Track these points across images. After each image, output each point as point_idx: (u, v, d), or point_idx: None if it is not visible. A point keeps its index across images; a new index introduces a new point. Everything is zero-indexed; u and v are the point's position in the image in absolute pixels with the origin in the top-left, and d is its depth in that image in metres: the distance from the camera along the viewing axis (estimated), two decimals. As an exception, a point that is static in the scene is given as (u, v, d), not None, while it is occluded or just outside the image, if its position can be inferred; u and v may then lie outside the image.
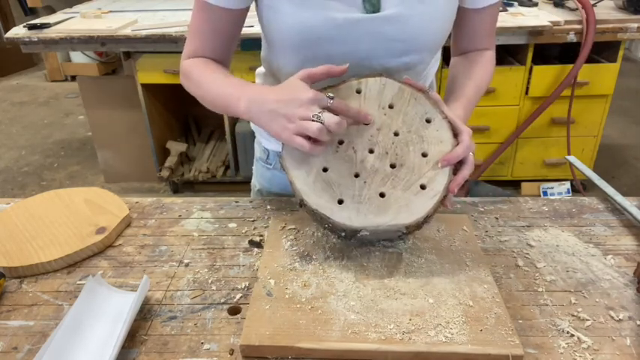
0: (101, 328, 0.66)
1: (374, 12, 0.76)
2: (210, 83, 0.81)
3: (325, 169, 0.74)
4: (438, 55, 0.94)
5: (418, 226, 0.73)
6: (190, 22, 0.84)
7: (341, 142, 0.75)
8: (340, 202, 0.73)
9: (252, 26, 2.20)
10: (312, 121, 0.67)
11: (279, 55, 0.86)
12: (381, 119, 0.75)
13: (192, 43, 0.85)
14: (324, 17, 0.75)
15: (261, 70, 1.01)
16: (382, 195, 0.73)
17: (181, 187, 2.88)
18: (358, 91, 0.75)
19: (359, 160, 0.74)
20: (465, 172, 0.73)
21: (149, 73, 2.41)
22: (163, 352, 0.64)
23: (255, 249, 0.83)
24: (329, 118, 0.67)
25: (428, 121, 0.75)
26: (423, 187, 0.73)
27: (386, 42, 0.78)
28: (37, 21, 2.41)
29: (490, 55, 0.91)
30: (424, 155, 0.74)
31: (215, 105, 0.81)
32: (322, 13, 0.74)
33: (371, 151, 0.75)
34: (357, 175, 0.74)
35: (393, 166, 0.74)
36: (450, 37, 0.90)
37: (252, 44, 2.19)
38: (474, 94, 0.86)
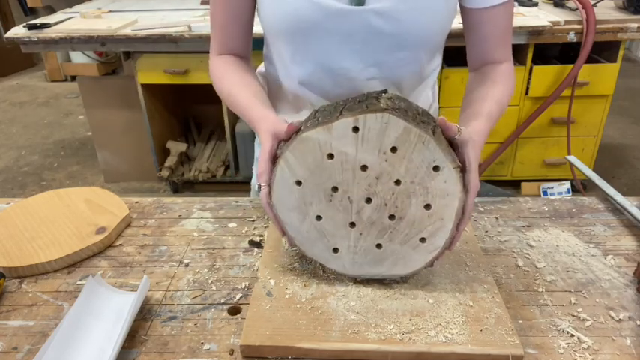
0: (101, 328, 0.66)
1: (358, 4, 0.75)
2: (235, 97, 0.83)
3: (319, 218, 0.69)
4: (439, 62, 0.92)
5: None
6: (210, 17, 0.87)
7: (335, 189, 0.67)
8: (335, 250, 0.71)
9: (252, 26, 2.20)
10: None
11: (274, 46, 0.86)
12: (380, 167, 0.64)
13: (215, 36, 0.88)
14: (313, 4, 0.74)
15: (261, 69, 1.01)
16: (379, 246, 0.70)
17: (181, 187, 2.88)
18: (355, 130, 0.62)
19: (354, 211, 0.68)
20: (462, 226, 0.67)
21: (149, 73, 2.41)
22: (163, 352, 0.64)
23: (255, 249, 0.83)
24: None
25: (435, 169, 0.63)
26: (422, 240, 0.68)
27: (378, 36, 0.76)
28: (37, 21, 2.41)
29: (507, 69, 0.84)
30: (427, 207, 0.66)
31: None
32: (311, 0, 0.74)
33: (368, 201, 0.67)
34: (352, 225, 0.69)
35: (392, 217, 0.67)
36: (450, 38, 0.89)
37: (252, 44, 2.19)
38: (495, 111, 0.78)
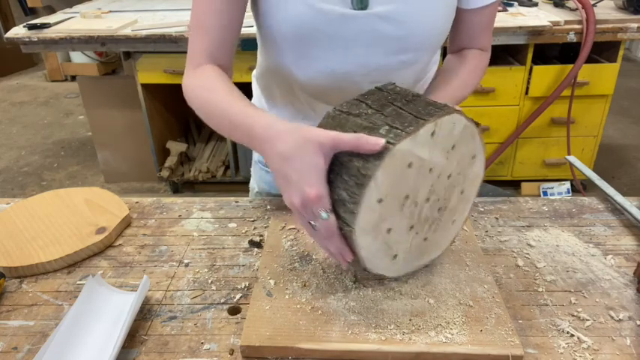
0: (101, 328, 0.66)
1: (362, 9, 0.75)
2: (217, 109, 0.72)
3: (389, 230, 0.65)
4: (437, 58, 0.93)
5: None
6: (195, 22, 0.77)
7: (406, 197, 0.64)
8: (394, 257, 0.69)
9: (251, 26, 2.20)
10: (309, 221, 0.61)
11: (275, 52, 0.84)
12: (442, 165, 0.64)
13: (201, 44, 0.77)
14: (316, 11, 0.74)
15: (255, 73, 1.00)
16: (425, 239, 0.71)
17: (181, 187, 2.88)
18: (432, 134, 0.61)
19: (417, 213, 0.66)
20: None
21: (149, 73, 2.41)
22: (163, 352, 0.64)
23: (255, 249, 0.83)
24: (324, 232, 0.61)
25: (473, 157, 0.68)
26: (453, 222, 0.73)
27: (382, 40, 0.77)
28: (37, 21, 2.41)
29: (481, 55, 0.89)
30: (461, 193, 0.70)
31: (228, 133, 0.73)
32: (314, 6, 0.73)
33: (427, 200, 0.66)
34: (411, 227, 0.67)
35: (439, 209, 0.69)
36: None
37: (252, 44, 2.19)
38: (458, 89, 0.84)
